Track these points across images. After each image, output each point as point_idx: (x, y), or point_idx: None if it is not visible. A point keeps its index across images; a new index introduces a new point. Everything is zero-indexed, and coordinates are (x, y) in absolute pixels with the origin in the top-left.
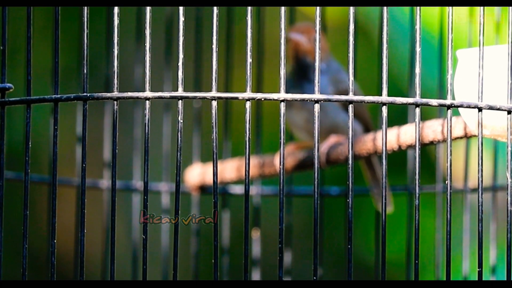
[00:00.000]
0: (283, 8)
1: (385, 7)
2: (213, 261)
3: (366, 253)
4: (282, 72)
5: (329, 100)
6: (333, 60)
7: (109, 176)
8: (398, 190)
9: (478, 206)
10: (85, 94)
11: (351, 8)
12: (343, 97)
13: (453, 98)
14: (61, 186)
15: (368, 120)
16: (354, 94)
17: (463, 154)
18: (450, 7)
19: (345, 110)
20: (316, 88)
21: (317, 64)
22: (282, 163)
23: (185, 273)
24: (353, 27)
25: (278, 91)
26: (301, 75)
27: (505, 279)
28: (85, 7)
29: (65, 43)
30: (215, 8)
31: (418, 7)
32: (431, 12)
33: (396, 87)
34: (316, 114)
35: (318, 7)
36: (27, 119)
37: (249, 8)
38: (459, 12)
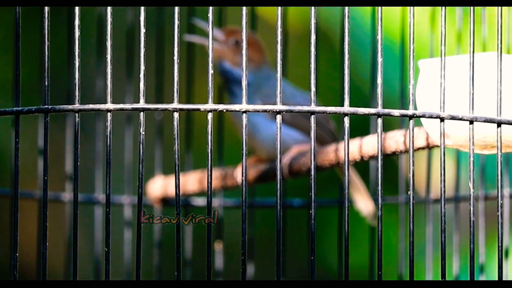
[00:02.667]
0: (244, 17)
1: (346, 18)
2: (175, 273)
3: (329, 263)
4: (244, 83)
5: (291, 111)
6: (266, 69)
7: (71, 188)
8: None
9: (441, 216)
10: (46, 106)
11: (313, 18)
12: (305, 108)
13: (415, 108)
14: (23, 199)
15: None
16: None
17: (425, 164)
18: (412, 18)
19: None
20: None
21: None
22: (244, 174)
23: None
24: (315, 37)
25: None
26: (225, 85)
27: None
28: (46, 20)
29: (26, 55)
30: (176, 19)
31: (379, 17)
32: (393, 21)
33: (358, 92)
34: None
35: (279, 8)
36: None
37: (210, 19)
38: (421, 22)
